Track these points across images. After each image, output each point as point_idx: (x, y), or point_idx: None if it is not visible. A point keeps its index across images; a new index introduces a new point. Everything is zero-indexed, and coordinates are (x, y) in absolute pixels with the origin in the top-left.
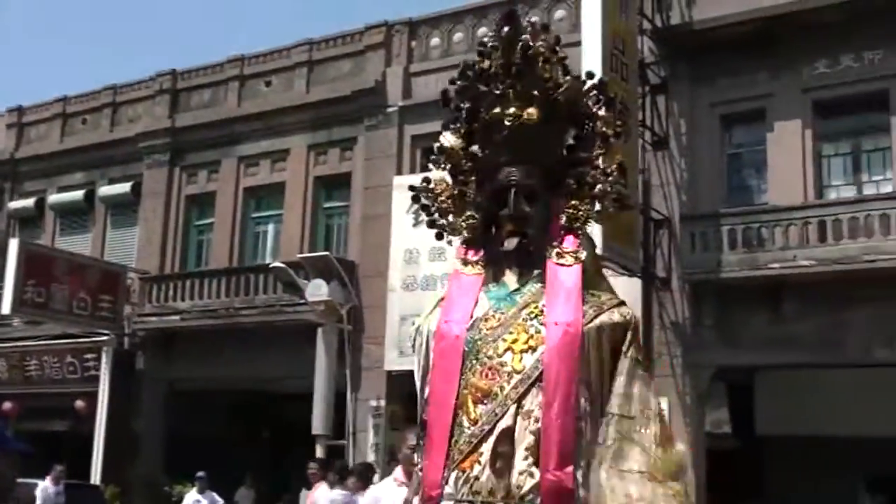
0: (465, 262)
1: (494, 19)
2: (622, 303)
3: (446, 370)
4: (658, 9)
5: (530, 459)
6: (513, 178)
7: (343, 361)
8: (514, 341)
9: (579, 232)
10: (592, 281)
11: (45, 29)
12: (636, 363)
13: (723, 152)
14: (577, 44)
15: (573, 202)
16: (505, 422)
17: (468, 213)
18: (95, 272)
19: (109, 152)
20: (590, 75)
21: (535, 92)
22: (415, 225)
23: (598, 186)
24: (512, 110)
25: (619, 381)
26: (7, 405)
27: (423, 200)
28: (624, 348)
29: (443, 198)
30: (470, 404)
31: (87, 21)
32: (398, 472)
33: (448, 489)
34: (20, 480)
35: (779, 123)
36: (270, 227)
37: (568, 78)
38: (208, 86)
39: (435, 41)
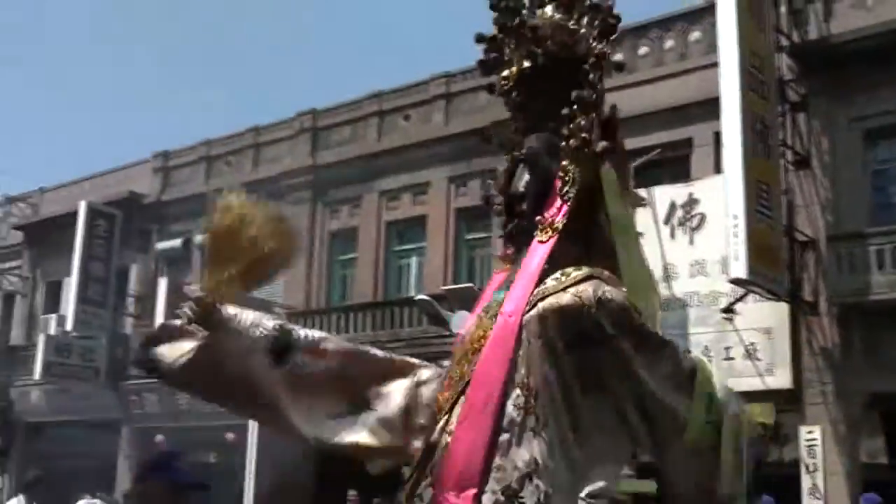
0: (500, 261)
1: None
2: (588, 278)
3: None
4: (795, 24)
5: (429, 479)
6: (521, 151)
7: None
8: (472, 343)
9: (568, 198)
10: (585, 251)
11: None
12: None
13: (866, 169)
14: (715, 65)
15: (564, 163)
16: (434, 438)
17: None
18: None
19: (252, 192)
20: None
21: (528, 45)
22: None
23: (572, 140)
24: (506, 72)
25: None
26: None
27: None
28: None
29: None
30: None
31: (229, 66)
32: None
33: None
34: None
35: None
36: (413, 260)
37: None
38: (348, 122)
39: None
